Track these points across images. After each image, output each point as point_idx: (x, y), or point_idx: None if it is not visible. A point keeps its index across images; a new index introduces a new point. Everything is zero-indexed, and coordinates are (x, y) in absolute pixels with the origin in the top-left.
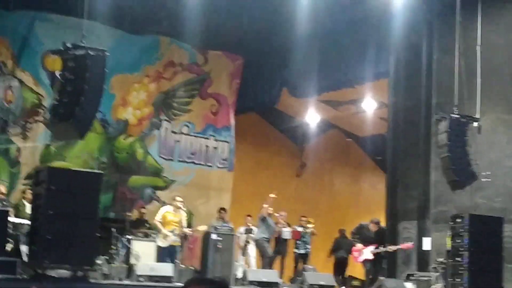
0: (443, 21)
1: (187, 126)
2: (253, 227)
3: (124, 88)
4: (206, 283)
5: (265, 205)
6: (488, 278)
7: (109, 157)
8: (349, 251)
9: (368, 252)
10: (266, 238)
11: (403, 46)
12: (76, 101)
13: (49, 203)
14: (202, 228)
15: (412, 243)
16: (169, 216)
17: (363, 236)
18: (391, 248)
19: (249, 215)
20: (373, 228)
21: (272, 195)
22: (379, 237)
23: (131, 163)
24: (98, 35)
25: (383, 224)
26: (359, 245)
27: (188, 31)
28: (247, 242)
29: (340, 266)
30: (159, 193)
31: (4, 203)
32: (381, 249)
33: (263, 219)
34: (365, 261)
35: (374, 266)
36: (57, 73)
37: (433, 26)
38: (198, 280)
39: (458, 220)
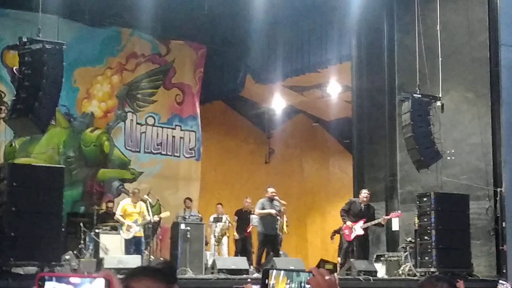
0: (402, 2)
1: (153, 117)
2: (224, 216)
3: (88, 81)
4: (149, 273)
5: (247, 200)
6: (456, 255)
7: (76, 150)
8: None
9: (359, 228)
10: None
11: (364, 29)
12: (35, 96)
13: (12, 200)
14: (165, 214)
15: (400, 211)
16: (129, 209)
17: (354, 211)
18: (381, 219)
19: (219, 203)
20: (363, 198)
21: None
22: (368, 212)
23: (98, 156)
24: (57, 29)
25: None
26: (348, 223)
27: (149, 21)
28: (223, 233)
29: None
30: (127, 185)
31: None
32: (372, 222)
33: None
34: (356, 237)
35: (361, 243)
36: (15, 69)
37: (393, 8)
38: (140, 272)
39: (425, 199)
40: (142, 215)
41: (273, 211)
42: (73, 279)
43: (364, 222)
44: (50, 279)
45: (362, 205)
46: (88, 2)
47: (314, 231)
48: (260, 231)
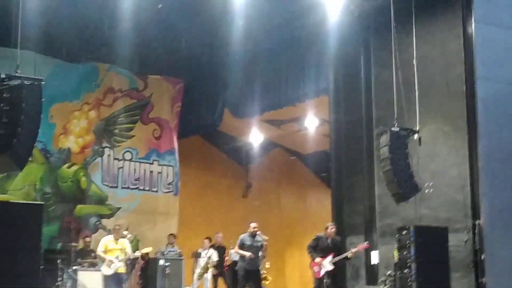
0: (379, 36)
1: (130, 152)
2: (210, 250)
3: (65, 116)
4: None
5: (219, 234)
6: None
7: (53, 187)
8: None
9: (327, 263)
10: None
11: (341, 62)
12: (13, 133)
13: None
14: (147, 250)
15: (367, 242)
16: (110, 245)
17: (321, 247)
18: (349, 252)
19: (207, 238)
20: (330, 233)
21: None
22: (335, 247)
23: (75, 192)
24: (34, 65)
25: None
26: (317, 259)
27: (126, 56)
28: (207, 267)
29: None
30: (104, 221)
31: None
32: (340, 256)
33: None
34: (325, 274)
35: (333, 279)
36: None
37: (369, 41)
38: None
39: (404, 232)
40: (123, 251)
41: (247, 254)
42: None
43: (333, 257)
44: None
45: (329, 239)
46: (65, 37)
47: (292, 265)
48: (240, 266)
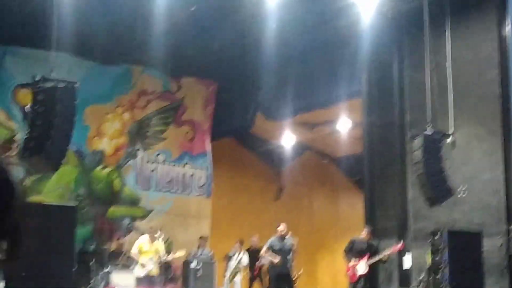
0: (412, 38)
1: (163, 155)
2: (241, 253)
3: (98, 119)
4: None
5: (254, 238)
6: None
7: (86, 189)
8: None
9: (362, 266)
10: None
11: (374, 65)
12: (47, 135)
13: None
14: (180, 253)
15: (402, 242)
16: (144, 247)
17: (356, 250)
18: (383, 254)
19: (239, 241)
20: (366, 237)
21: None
22: (370, 249)
23: (108, 194)
24: (68, 67)
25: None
26: (351, 263)
27: (159, 59)
28: (237, 271)
29: None
30: (137, 223)
31: None
32: (375, 258)
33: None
34: (361, 277)
35: (368, 282)
36: (27, 107)
37: (403, 44)
38: None
39: (437, 236)
40: (157, 254)
41: (275, 260)
42: None
43: (368, 259)
44: None
45: (363, 242)
46: (99, 40)
47: (323, 269)
48: (271, 270)
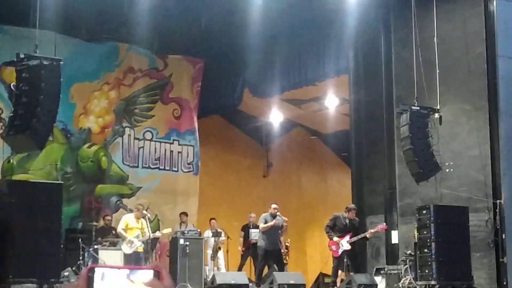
0: (399, 15)
1: (150, 132)
2: (220, 230)
3: (85, 96)
4: None
5: (251, 214)
6: (457, 268)
7: (73, 167)
8: None
9: (345, 243)
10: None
11: (361, 41)
12: (32, 112)
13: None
14: (167, 231)
15: (385, 224)
16: (131, 223)
17: (339, 227)
18: (367, 233)
19: (213, 218)
20: (351, 215)
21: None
22: (353, 227)
23: (96, 171)
24: (54, 45)
25: None
26: (335, 238)
27: (146, 36)
28: (218, 246)
29: None
30: (125, 200)
31: None
32: (358, 236)
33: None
34: (343, 253)
35: (352, 258)
36: (12, 85)
37: (389, 20)
38: None
39: (424, 211)
40: (143, 231)
41: (274, 222)
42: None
43: (350, 237)
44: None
45: (347, 219)
46: (85, 17)
47: (313, 245)
48: (260, 245)
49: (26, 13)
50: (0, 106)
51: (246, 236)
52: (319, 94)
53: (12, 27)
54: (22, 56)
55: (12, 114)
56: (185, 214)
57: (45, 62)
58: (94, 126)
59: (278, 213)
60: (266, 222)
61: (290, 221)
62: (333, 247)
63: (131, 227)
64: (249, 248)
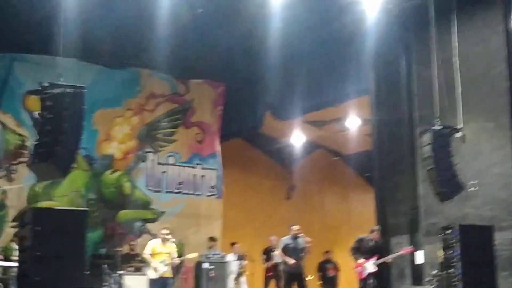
0: (418, 35)
1: (173, 156)
2: (243, 254)
3: (107, 123)
4: None
5: (272, 237)
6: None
7: (96, 193)
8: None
9: (371, 265)
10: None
11: (381, 62)
12: (56, 140)
13: (36, 244)
14: (193, 255)
15: (412, 246)
16: (158, 248)
17: (364, 249)
18: (393, 256)
19: (235, 243)
20: (375, 236)
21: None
22: (379, 249)
23: (118, 197)
24: (77, 72)
25: None
26: (360, 260)
27: (167, 62)
28: (242, 271)
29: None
30: (149, 225)
31: None
32: (384, 259)
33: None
34: (369, 275)
35: (378, 279)
36: (36, 113)
37: (409, 40)
38: None
39: (448, 231)
40: (170, 255)
41: (291, 262)
42: None
43: (377, 258)
44: None
45: (372, 241)
46: (106, 44)
47: None
48: (284, 270)
49: (48, 41)
50: (25, 134)
51: (268, 259)
52: (341, 115)
53: (33, 55)
54: (45, 84)
55: (36, 142)
56: (213, 239)
57: (68, 90)
58: (117, 152)
59: (301, 235)
60: (286, 245)
61: (313, 243)
62: (359, 269)
63: (158, 252)
64: (272, 271)
